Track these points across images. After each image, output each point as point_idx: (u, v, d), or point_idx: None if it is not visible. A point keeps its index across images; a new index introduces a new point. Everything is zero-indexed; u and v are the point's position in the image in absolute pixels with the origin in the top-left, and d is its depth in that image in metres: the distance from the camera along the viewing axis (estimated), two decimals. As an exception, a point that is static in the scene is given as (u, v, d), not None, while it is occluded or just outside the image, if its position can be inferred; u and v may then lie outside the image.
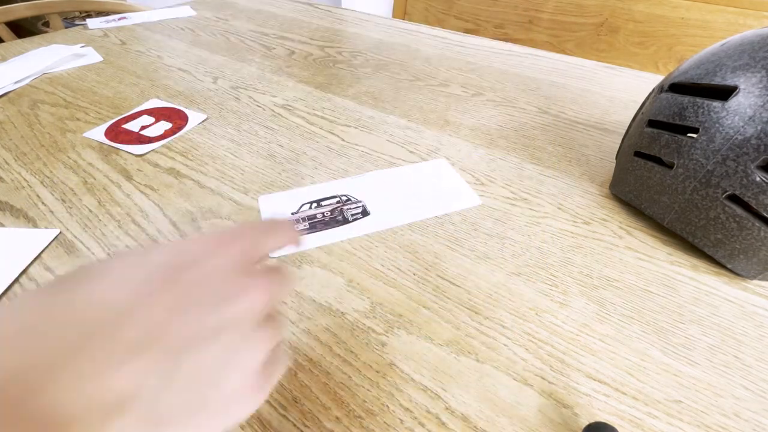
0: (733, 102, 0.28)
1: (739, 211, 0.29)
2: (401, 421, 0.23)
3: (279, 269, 0.17)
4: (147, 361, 0.12)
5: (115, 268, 0.14)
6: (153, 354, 0.12)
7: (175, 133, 0.49)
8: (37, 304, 0.12)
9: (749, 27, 1.06)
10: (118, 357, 0.12)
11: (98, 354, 0.12)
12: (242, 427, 0.23)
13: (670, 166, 0.33)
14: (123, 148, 0.46)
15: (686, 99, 0.31)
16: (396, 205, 0.39)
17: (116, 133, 0.49)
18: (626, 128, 0.40)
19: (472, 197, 0.40)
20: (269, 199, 0.40)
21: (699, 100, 0.30)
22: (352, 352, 0.27)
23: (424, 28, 0.87)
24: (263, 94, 0.59)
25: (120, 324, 0.12)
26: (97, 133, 0.48)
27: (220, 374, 0.14)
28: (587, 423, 0.21)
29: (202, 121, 0.51)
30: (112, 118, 0.51)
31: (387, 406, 0.24)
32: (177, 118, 0.52)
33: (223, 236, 0.16)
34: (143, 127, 0.50)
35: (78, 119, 0.51)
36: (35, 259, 0.33)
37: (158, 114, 0.53)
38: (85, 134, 0.48)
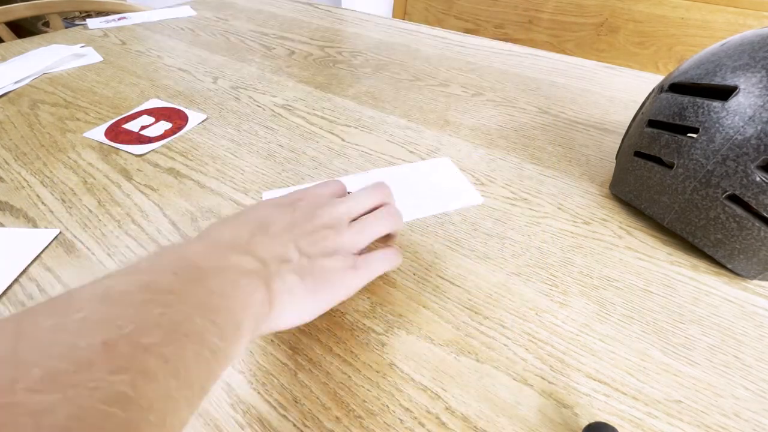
0: (733, 102, 0.28)
1: (739, 211, 0.29)
2: (401, 421, 0.23)
3: (351, 196, 0.28)
4: (287, 241, 0.24)
5: (263, 204, 0.26)
6: (289, 238, 0.24)
7: (175, 133, 0.49)
8: (228, 217, 0.25)
9: (749, 27, 1.06)
10: (273, 237, 0.23)
11: (264, 236, 0.23)
12: (242, 426, 0.23)
13: (670, 166, 0.33)
14: (123, 148, 0.46)
15: (686, 99, 0.31)
16: (398, 204, 0.38)
17: (116, 133, 0.49)
18: (626, 128, 0.40)
19: (473, 195, 0.40)
20: (273, 195, 0.40)
21: (699, 100, 0.30)
22: (352, 352, 0.27)
23: (424, 28, 0.87)
24: (263, 94, 0.59)
25: (268, 225, 0.24)
26: (97, 133, 0.48)
27: (326, 255, 0.24)
28: (587, 423, 0.21)
29: (202, 121, 0.51)
30: (112, 118, 0.52)
31: (387, 406, 0.24)
32: (177, 118, 0.52)
33: (316, 187, 0.29)
34: (143, 127, 0.50)
35: (78, 119, 0.51)
36: (35, 259, 0.33)
37: (158, 114, 0.53)
38: (85, 134, 0.48)
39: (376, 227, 0.27)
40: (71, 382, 0.12)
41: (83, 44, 0.74)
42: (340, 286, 0.24)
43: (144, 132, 0.49)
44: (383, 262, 0.27)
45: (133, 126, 0.50)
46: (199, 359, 0.16)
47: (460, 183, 0.42)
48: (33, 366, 0.12)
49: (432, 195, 0.40)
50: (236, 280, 0.20)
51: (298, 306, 0.22)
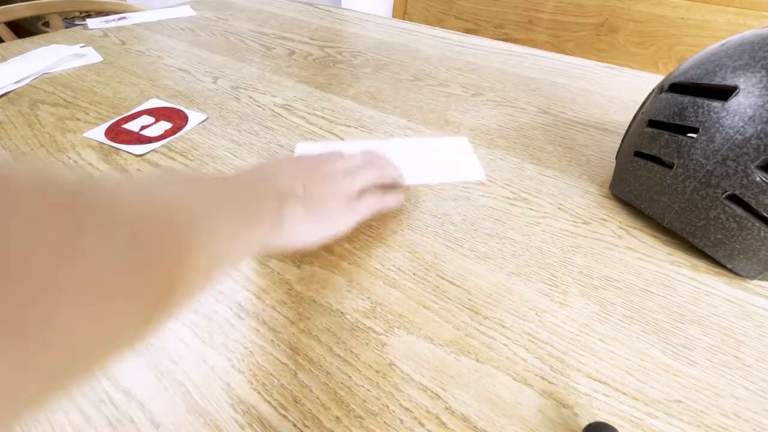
0: (733, 102, 0.28)
1: (739, 211, 0.29)
2: (401, 421, 0.23)
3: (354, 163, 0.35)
4: (295, 182, 0.29)
5: (270, 161, 0.38)
6: (296, 181, 0.29)
7: (175, 133, 0.49)
8: (252, 168, 0.30)
9: (749, 27, 1.06)
10: (282, 179, 0.29)
11: (274, 178, 0.29)
12: (242, 426, 0.23)
13: (670, 166, 0.33)
14: (123, 148, 0.46)
15: (686, 99, 0.31)
16: (408, 169, 0.41)
17: (116, 133, 0.49)
18: (626, 128, 0.40)
19: (478, 172, 0.43)
20: (307, 146, 0.47)
21: (699, 100, 0.30)
22: (352, 352, 0.27)
23: (424, 28, 0.87)
24: (263, 94, 0.59)
25: (277, 173, 0.29)
26: (97, 133, 0.48)
27: (326, 195, 0.30)
28: (587, 423, 0.21)
29: (202, 121, 0.51)
30: (112, 118, 0.52)
31: (387, 406, 0.24)
32: (177, 118, 0.52)
33: (316, 155, 0.34)
34: (143, 127, 0.50)
35: (78, 119, 0.51)
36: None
37: (158, 114, 0.53)
38: (84, 134, 0.48)
39: (365, 174, 0.33)
40: (131, 218, 0.15)
41: (83, 44, 0.74)
42: (339, 219, 0.30)
43: (144, 132, 0.49)
44: (376, 202, 0.33)
45: (133, 126, 0.50)
46: (230, 223, 0.21)
47: (468, 159, 0.45)
48: (93, 210, 0.14)
49: (437, 165, 0.43)
50: (254, 194, 0.26)
51: (303, 229, 0.28)
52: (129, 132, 0.49)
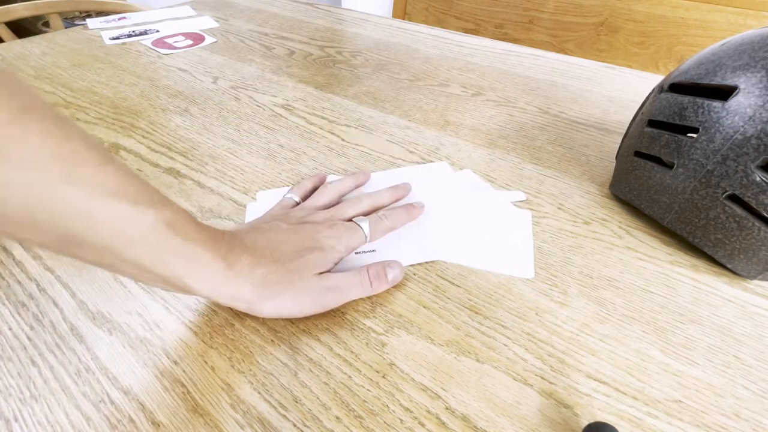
0: (733, 102, 0.28)
1: (739, 211, 0.29)
2: (401, 421, 0.23)
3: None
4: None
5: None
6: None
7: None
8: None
9: (749, 27, 1.06)
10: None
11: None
12: (242, 426, 0.23)
13: (670, 166, 0.33)
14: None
15: (686, 99, 0.31)
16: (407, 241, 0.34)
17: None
18: (626, 128, 0.40)
19: (526, 266, 0.32)
20: (267, 195, 0.40)
21: (699, 100, 0.30)
22: (352, 352, 0.27)
23: (424, 28, 0.87)
24: (263, 94, 0.59)
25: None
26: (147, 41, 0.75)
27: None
28: (587, 423, 0.21)
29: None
30: (111, 117, 0.52)
31: (387, 406, 0.24)
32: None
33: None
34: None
35: (78, 119, 0.51)
36: (36, 259, 0.33)
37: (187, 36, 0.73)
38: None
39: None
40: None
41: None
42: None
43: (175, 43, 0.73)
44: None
45: (170, 40, 0.76)
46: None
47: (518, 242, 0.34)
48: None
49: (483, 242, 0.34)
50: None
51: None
52: (167, 44, 0.73)
